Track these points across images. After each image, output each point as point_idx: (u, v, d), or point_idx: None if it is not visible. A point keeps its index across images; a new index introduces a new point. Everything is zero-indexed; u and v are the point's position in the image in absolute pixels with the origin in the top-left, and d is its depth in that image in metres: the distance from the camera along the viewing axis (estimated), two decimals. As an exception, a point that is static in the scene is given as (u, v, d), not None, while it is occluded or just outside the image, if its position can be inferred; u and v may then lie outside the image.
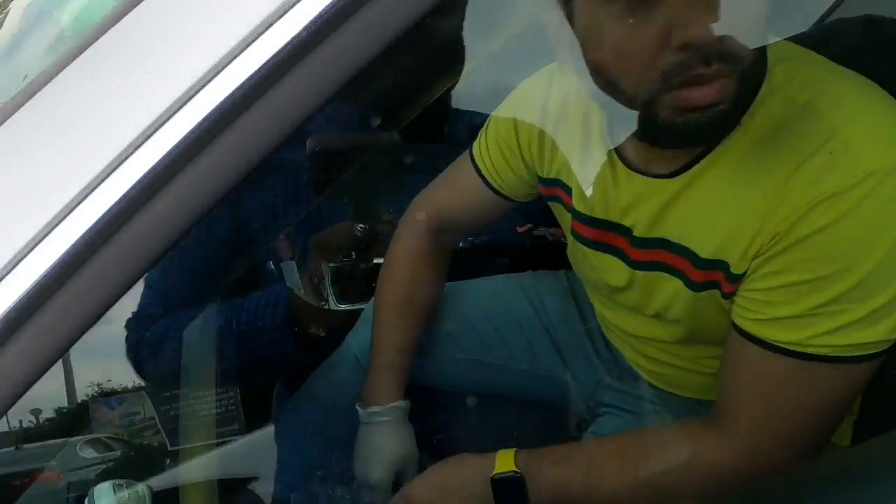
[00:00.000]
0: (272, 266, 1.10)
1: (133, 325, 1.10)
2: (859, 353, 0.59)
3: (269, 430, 1.23)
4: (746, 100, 0.61)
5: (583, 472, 0.71)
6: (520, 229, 1.22)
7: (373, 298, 1.04)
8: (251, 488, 1.20)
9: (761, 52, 0.60)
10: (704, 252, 0.67)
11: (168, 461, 1.45)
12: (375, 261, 1.15)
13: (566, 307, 1.04)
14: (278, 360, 1.08)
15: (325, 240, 1.10)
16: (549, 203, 0.88)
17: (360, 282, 1.14)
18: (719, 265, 0.66)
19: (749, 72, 0.58)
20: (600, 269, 0.81)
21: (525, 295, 1.07)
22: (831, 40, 0.74)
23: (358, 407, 0.96)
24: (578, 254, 0.85)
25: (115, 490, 0.52)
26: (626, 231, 0.75)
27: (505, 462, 0.73)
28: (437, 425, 1.02)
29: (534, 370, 1.04)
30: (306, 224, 1.15)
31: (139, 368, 1.11)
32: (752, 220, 0.62)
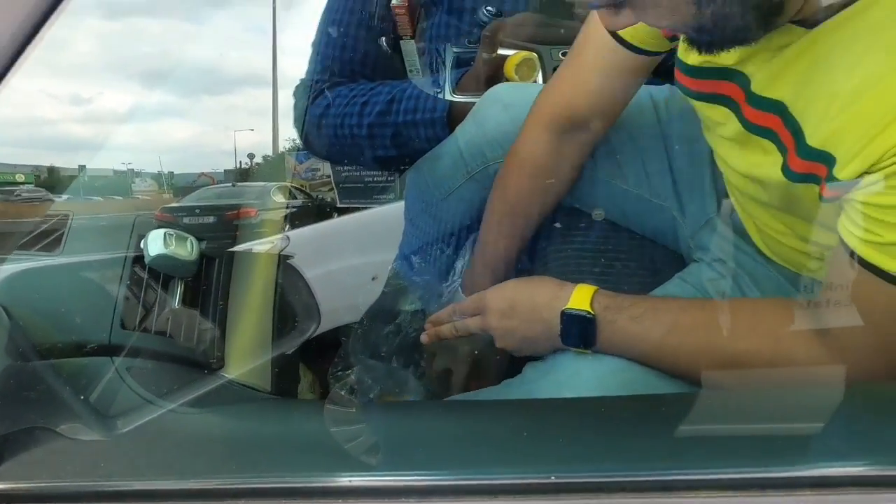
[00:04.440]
0: (384, 44, 1.07)
1: (300, 92, 1.19)
2: None
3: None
4: None
5: (660, 335, 0.66)
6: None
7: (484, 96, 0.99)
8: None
9: None
10: (813, 136, 0.54)
11: (335, 215, 1.70)
12: (501, 52, 1.07)
13: (696, 131, 0.87)
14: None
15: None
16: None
17: (478, 73, 1.07)
18: (824, 158, 0.53)
19: None
20: (712, 122, 0.70)
21: (653, 109, 0.92)
22: None
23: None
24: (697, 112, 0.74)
25: (165, 238, 0.61)
26: (743, 81, 0.62)
27: (581, 299, 0.69)
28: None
29: (642, 195, 0.93)
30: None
31: (304, 139, 1.15)
32: (881, 109, 0.48)
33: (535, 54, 1.07)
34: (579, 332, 0.68)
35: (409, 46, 1.07)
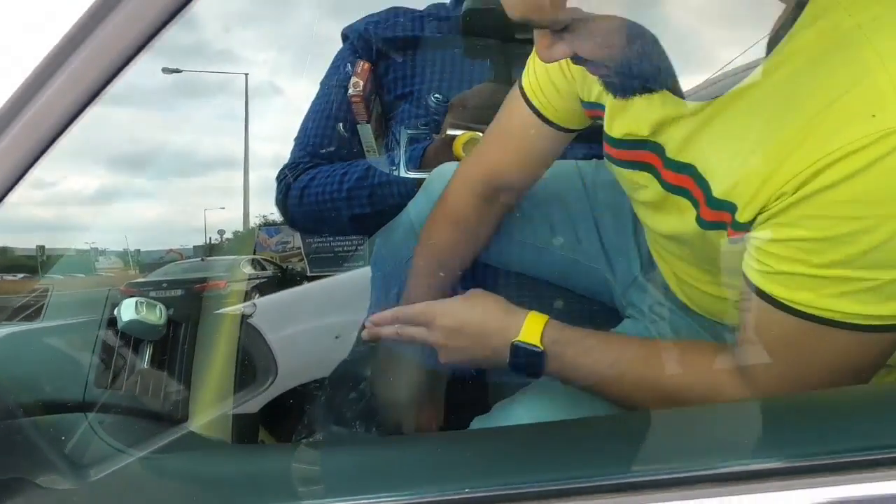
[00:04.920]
0: (342, 129, 1.19)
1: (283, 175, 1.27)
2: (875, 324, 0.56)
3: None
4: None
5: (604, 368, 0.71)
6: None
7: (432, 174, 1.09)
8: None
9: None
10: (717, 189, 0.64)
11: (304, 282, 1.76)
12: (449, 132, 1.18)
13: (619, 200, 0.98)
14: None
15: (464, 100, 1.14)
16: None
17: (433, 152, 1.18)
18: (728, 207, 0.63)
19: None
20: (636, 186, 0.79)
21: (581, 182, 1.03)
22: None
23: None
24: (616, 173, 0.84)
25: (136, 306, 0.68)
26: (659, 149, 0.72)
27: (531, 332, 0.71)
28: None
29: (577, 259, 1.03)
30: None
31: (285, 212, 1.26)
32: (765, 164, 0.59)
33: (480, 133, 1.19)
34: (527, 364, 0.71)
35: (366, 130, 1.18)
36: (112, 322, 0.63)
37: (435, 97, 1.15)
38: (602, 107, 0.79)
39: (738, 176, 0.61)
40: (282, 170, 1.28)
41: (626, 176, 0.81)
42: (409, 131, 1.19)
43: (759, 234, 0.60)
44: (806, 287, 0.58)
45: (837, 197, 0.54)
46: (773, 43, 0.59)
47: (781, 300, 0.59)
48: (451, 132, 1.18)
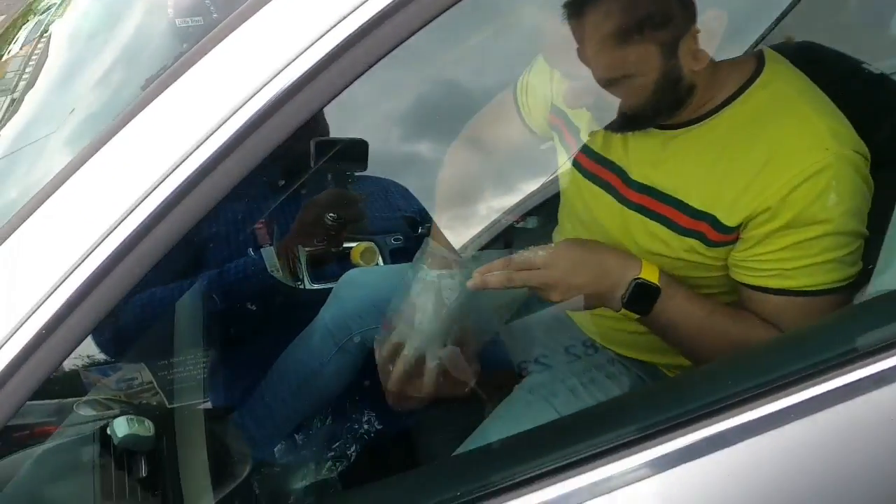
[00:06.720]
0: (252, 252, 1.28)
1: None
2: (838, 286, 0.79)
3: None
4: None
5: (703, 316, 0.83)
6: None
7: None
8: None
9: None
10: (696, 202, 0.82)
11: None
12: (345, 245, 1.32)
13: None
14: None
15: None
16: (553, 132, 1.03)
17: (332, 263, 1.31)
18: (707, 217, 0.82)
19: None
20: (591, 203, 0.94)
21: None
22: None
23: (423, 266, 0.99)
24: (572, 187, 0.99)
25: (128, 423, 0.71)
26: (621, 171, 0.90)
27: (651, 272, 0.81)
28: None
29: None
30: (283, 213, 1.33)
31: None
32: (737, 182, 0.79)
33: (373, 243, 1.35)
34: (643, 300, 0.81)
35: (269, 252, 1.28)
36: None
37: (329, 216, 1.29)
38: (566, 117, 0.97)
39: (715, 191, 0.80)
40: None
41: (586, 189, 0.94)
42: (307, 249, 1.31)
43: (762, 249, 0.78)
44: (807, 273, 0.77)
45: (813, 207, 0.74)
46: (729, 100, 0.81)
47: (799, 289, 0.77)
48: (347, 245, 1.32)
